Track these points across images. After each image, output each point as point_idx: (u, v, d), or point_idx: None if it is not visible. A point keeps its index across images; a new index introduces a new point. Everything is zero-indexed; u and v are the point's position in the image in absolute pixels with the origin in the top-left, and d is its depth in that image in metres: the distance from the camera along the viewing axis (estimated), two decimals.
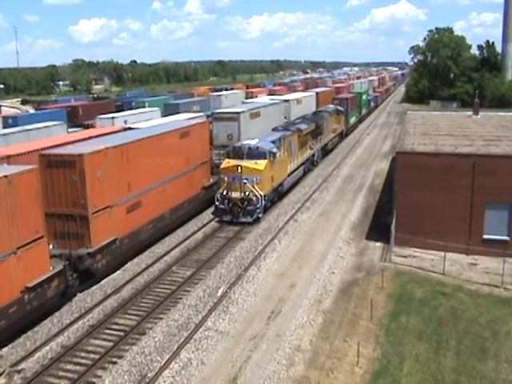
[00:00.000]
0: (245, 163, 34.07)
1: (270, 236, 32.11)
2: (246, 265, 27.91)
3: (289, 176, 41.40)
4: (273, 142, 37.20)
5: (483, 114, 50.79)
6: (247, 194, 33.88)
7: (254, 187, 33.78)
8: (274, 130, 43.38)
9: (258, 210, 34.29)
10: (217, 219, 35.47)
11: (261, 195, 33.93)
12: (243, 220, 34.12)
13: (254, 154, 34.67)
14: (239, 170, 33.85)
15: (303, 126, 46.47)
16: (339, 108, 66.53)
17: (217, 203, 34.80)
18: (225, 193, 34.25)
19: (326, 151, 58.15)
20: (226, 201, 34.28)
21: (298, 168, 44.33)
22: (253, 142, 35.65)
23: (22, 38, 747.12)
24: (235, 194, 34.09)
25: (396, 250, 29.33)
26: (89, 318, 22.63)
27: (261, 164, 34.36)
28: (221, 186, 34.81)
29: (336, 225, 34.88)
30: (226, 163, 34.74)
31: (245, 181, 33.78)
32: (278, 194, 39.33)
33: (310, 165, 50.25)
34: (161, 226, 30.90)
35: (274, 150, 36.22)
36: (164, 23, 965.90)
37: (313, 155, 50.82)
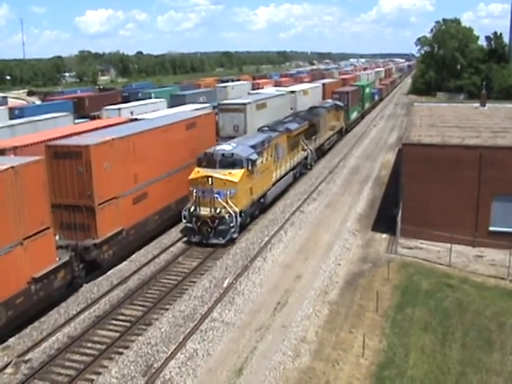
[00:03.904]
0: (217, 173, 28.78)
1: (277, 227, 32.09)
2: (252, 256, 27.92)
3: (274, 185, 35.92)
4: (253, 146, 31.68)
5: (490, 105, 50.52)
6: (218, 210, 28.55)
7: (227, 202, 28.46)
8: (260, 130, 38.50)
9: (232, 230, 28.88)
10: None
11: (235, 212, 28.60)
12: (214, 241, 28.91)
13: (229, 161, 29.36)
14: (210, 182, 28.60)
15: (293, 126, 41.25)
16: (338, 103, 61.67)
17: (184, 221, 29.66)
18: (192, 209, 28.99)
19: (322, 152, 52.73)
20: (194, 219, 29.12)
21: (286, 174, 39.02)
22: (228, 148, 30.53)
23: (28, 29, 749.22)
24: (204, 211, 28.67)
25: (402, 242, 29.28)
26: (95, 308, 22.71)
27: (236, 174, 29.01)
28: (189, 200, 29.73)
29: (342, 216, 34.84)
30: (195, 173, 29.35)
31: (216, 195, 28.46)
32: (261, 207, 33.95)
33: (302, 169, 44.89)
34: (167, 217, 30.94)
35: (253, 156, 30.74)
36: (170, 14, 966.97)
37: (306, 158, 45.35)
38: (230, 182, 28.65)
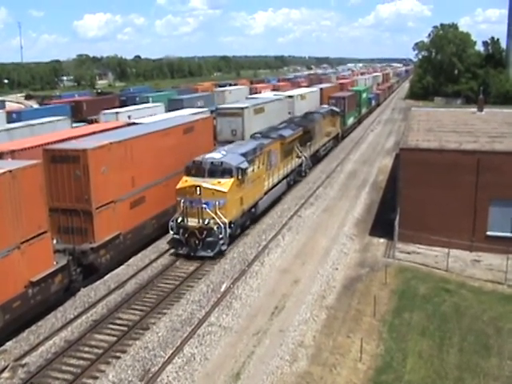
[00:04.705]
0: (205, 183, 27.64)
1: (274, 232, 32.09)
2: (249, 260, 27.91)
3: (266, 194, 34.59)
4: (244, 154, 30.53)
5: (488, 110, 50.59)
6: (207, 221, 27.41)
7: (216, 213, 27.32)
8: (252, 137, 37.79)
9: (220, 242, 27.74)
10: None
11: (224, 223, 27.43)
12: (202, 254, 27.80)
13: (218, 170, 28.21)
14: (198, 192, 27.46)
15: (287, 133, 39.96)
16: (334, 109, 60.53)
17: (171, 232, 28.61)
18: (180, 220, 27.88)
19: (317, 158, 51.69)
20: (182, 230, 28.05)
21: (279, 182, 37.72)
22: (217, 156, 29.37)
23: (26, 33, 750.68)
24: (192, 222, 27.53)
25: (399, 247, 29.28)
26: (92, 312, 22.67)
27: (225, 184, 27.84)
28: (176, 211, 28.62)
29: (339, 221, 34.85)
30: (183, 182, 28.27)
31: (204, 205, 27.32)
32: (252, 217, 32.73)
33: (296, 176, 43.67)
34: (164, 221, 30.85)
35: (244, 164, 29.46)
36: (168, 18, 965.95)
37: (300, 165, 44.07)
38: (219, 192, 27.55)
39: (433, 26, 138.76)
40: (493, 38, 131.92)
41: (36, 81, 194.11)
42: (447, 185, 28.97)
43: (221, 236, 27.62)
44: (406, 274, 26.65)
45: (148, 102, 69.80)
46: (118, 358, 19.25)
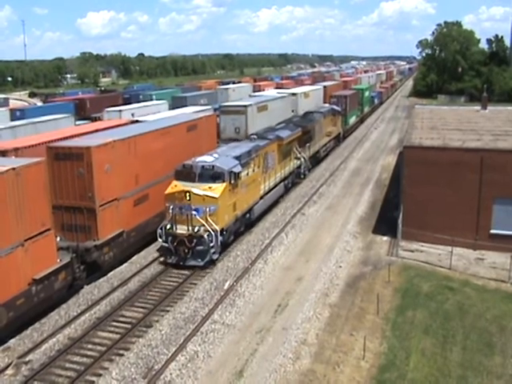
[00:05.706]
0: (195, 188, 26.19)
1: (277, 229, 32.09)
2: (252, 258, 27.92)
3: (262, 198, 33.06)
4: (237, 157, 28.82)
5: (491, 108, 50.46)
6: (197, 229, 25.93)
7: (206, 220, 25.81)
8: (248, 138, 35.78)
9: (211, 251, 26.27)
10: None
11: (215, 230, 25.96)
12: (191, 263, 26.35)
13: (209, 175, 26.68)
14: (188, 197, 26.08)
15: (285, 133, 38.06)
16: (335, 108, 58.94)
17: (160, 240, 27.10)
18: (168, 227, 26.47)
19: (317, 160, 50.04)
20: (171, 238, 26.55)
21: (277, 185, 36.20)
22: (209, 159, 27.72)
23: (30, 30, 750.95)
24: (181, 230, 26.08)
25: (403, 245, 29.26)
26: (96, 310, 22.72)
27: (216, 189, 26.31)
28: (165, 217, 27.14)
29: (343, 218, 34.83)
30: (172, 187, 26.78)
31: (194, 212, 25.87)
32: (246, 223, 31.34)
33: (294, 178, 42.12)
34: None
35: (237, 168, 27.86)
36: (172, 16, 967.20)
37: (299, 167, 42.50)
38: (210, 198, 26.01)
39: (437, 24, 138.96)
40: (497, 35, 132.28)
41: (40, 78, 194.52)
42: (451, 183, 28.91)
43: (211, 244, 26.22)
44: (410, 272, 26.62)
45: (151, 100, 69.82)
46: (122, 355, 19.28)
